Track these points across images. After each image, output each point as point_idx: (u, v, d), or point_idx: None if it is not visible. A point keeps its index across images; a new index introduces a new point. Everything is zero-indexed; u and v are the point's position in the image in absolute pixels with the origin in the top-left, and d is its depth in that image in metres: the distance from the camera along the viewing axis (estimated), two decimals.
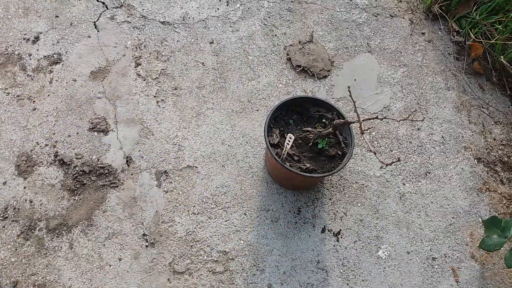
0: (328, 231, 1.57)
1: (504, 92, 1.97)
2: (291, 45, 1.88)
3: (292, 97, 1.50)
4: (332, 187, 1.64)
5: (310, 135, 1.48)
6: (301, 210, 1.58)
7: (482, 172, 1.77)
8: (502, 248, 1.46)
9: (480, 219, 1.68)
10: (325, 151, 1.49)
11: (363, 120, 1.32)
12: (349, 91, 1.26)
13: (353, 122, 1.35)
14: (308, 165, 1.45)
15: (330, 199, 1.62)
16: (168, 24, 1.81)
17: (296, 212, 1.57)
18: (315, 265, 1.50)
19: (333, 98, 1.80)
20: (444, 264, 1.58)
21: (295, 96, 1.50)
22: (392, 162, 1.23)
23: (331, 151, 1.49)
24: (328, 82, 1.83)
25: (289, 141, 1.38)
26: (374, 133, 1.76)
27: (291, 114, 1.54)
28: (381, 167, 1.66)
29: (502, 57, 1.94)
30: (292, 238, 1.53)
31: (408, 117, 1.25)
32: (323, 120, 1.53)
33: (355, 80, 1.86)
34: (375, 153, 1.23)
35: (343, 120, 1.38)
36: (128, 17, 1.79)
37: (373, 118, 1.33)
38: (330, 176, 1.56)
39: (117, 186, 1.47)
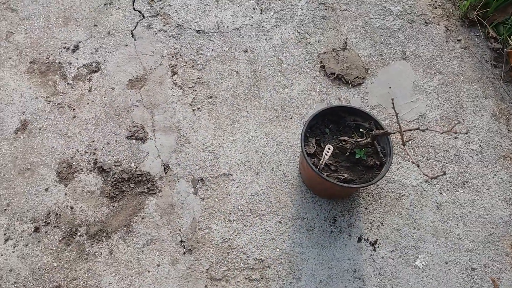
0: (365, 240, 1.54)
1: None
2: (325, 52, 1.87)
3: (328, 106, 1.48)
4: (368, 196, 1.61)
5: (347, 144, 1.46)
6: (337, 219, 1.56)
7: None
8: None
9: None
10: (363, 161, 1.47)
11: (404, 131, 1.29)
12: (393, 103, 1.24)
13: (394, 133, 1.33)
14: (345, 175, 1.43)
15: (366, 208, 1.59)
16: (203, 33, 1.82)
17: (332, 221, 1.55)
18: (351, 274, 1.48)
19: (367, 106, 1.78)
20: (484, 275, 1.53)
21: (331, 105, 1.49)
22: (437, 176, 1.20)
23: (369, 161, 1.47)
24: (362, 89, 1.81)
25: (327, 152, 1.37)
26: (410, 142, 1.73)
27: (327, 123, 1.53)
28: (426, 181, 1.62)
29: None
30: (328, 247, 1.51)
31: (451, 129, 1.22)
32: (360, 130, 1.51)
33: (390, 87, 1.83)
34: (418, 166, 1.21)
35: (382, 131, 1.36)
36: (164, 26, 1.81)
37: (415, 129, 1.30)
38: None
39: (155, 193, 1.49)
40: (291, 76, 1.80)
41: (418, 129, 1.32)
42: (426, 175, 1.17)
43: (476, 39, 2.00)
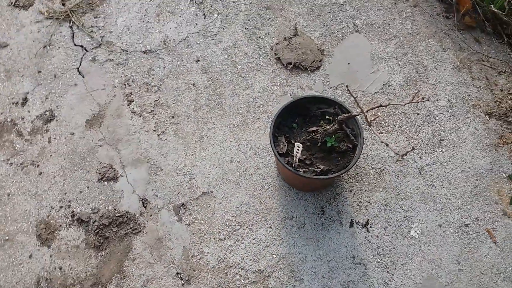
0: (356, 223, 1.54)
1: (502, 40, 1.90)
2: (277, 43, 1.82)
3: (290, 101, 1.45)
4: (350, 179, 1.60)
5: (317, 135, 1.44)
6: (325, 210, 1.55)
7: (496, 126, 1.72)
8: None
9: (504, 174, 1.64)
10: (336, 148, 1.45)
11: (367, 111, 1.27)
12: (348, 89, 1.21)
13: (358, 115, 1.31)
14: (321, 166, 1.41)
15: (351, 191, 1.59)
16: (151, 52, 1.76)
17: (321, 212, 1.54)
18: (351, 261, 1.48)
19: (330, 88, 1.75)
20: (478, 228, 1.55)
21: (293, 99, 1.45)
22: (407, 152, 1.19)
23: (342, 146, 1.45)
24: (322, 72, 1.78)
25: (297, 150, 1.34)
26: (379, 113, 1.71)
27: (293, 118, 1.50)
28: (397, 160, 1.61)
29: (492, 6, 1.86)
30: (323, 240, 1.50)
31: (412, 100, 1.20)
32: (327, 117, 1.49)
33: (348, 64, 1.80)
34: (387, 145, 1.19)
35: (347, 115, 1.34)
36: (109, 54, 1.74)
37: (377, 107, 1.28)
38: None
39: (139, 231, 1.46)
40: (249, 75, 1.75)
41: (380, 105, 1.30)
42: (396, 153, 1.16)
43: None
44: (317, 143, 1.45)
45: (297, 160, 1.37)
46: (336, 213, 1.55)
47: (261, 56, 1.80)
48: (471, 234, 1.54)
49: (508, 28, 1.89)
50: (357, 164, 1.62)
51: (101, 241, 1.42)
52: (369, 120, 1.26)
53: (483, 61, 1.86)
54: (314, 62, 1.80)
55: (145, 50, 1.77)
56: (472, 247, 1.51)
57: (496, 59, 1.85)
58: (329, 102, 1.49)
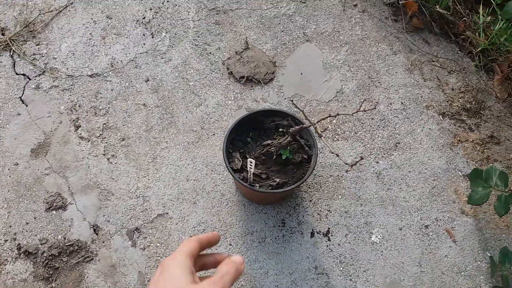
0: (317, 233, 1.56)
1: (449, 39, 1.99)
2: (229, 58, 1.86)
3: (243, 116, 1.47)
4: (310, 188, 1.62)
5: (271, 148, 1.46)
6: (285, 221, 1.56)
7: (450, 125, 1.78)
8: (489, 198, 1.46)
9: (460, 173, 1.69)
10: (291, 160, 1.47)
11: (317, 122, 1.30)
12: (294, 103, 1.24)
13: (309, 126, 1.34)
14: (277, 179, 1.43)
15: (310, 200, 1.61)
16: (97, 76, 1.76)
17: (281, 225, 1.56)
18: (314, 272, 1.49)
19: (285, 99, 1.78)
20: (438, 229, 1.59)
21: (245, 114, 1.47)
22: (357, 162, 1.22)
23: (297, 157, 1.48)
24: (275, 84, 1.81)
25: (251, 165, 1.36)
26: (335, 121, 1.75)
27: (247, 131, 1.52)
28: (347, 171, 1.65)
29: (437, 6, 1.95)
30: (284, 253, 1.51)
31: (360, 109, 1.24)
32: (280, 129, 1.51)
33: (301, 74, 1.85)
34: (337, 155, 1.22)
35: (298, 127, 1.36)
36: (54, 81, 1.74)
37: (326, 118, 1.32)
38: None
39: (92, 259, 1.44)
40: (201, 92, 1.78)
41: (329, 116, 1.34)
42: (346, 163, 1.19)
43: None
44: (272, 156, 1.47)
45: (251, 175, 1.39)
46: (297, 224, 1.56)
47: (213, 71, 1.82)
48: (431, 235, 1.57)
49: (454, 27, 1.98)
50: (314, 173, 1.65)
51: (51, 272, 1.40)
52: (319, 131, 1.28)
53: (433, 61, 1.93)
54: (267, 74, 1.84)
55: (92, 74, 1.77)
56: (432, 248, 1.55)
57: (446, 59, 1.93)
58: (282, 114, 1.52)
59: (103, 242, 1.47)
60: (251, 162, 1.36)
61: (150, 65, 1.82)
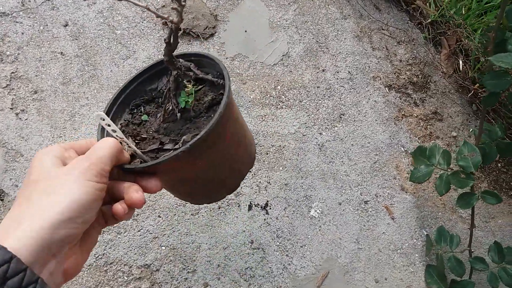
0: (255, 206, 1.56)
1: (400, 7, 2.04)
2: (163, 6, 1.76)
3: (120, 88, 0.93)
4: None
5: (167, 104, 0.92)
6: None
7: (395, 99, 1.85)
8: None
9: (402, 148, 1.77)
10: (199, 107, 0.91)
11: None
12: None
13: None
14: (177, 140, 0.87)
15: (250, 171, 1.60)
16: (5, 15, 1.59)
17: None
18: (249, 247, 1.50)
19: (226, 58, 1.73)
20: (377, 205, 1.66)
21: (123, 85, 0.94)
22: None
23: (204, 100, 0.92)
24: (216, 40, 1.75)
25: (122, 139, 0.78)
26: (279, 87, 1.74)
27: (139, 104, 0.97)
28: (305, 123, 1.65)
29: None
30: (219, 226, 1.50)
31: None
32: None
33: (246, 31, 1.80)
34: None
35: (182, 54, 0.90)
36: None
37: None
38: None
39: None
40: (130, 42, 1.67)
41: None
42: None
43: None
44: (175, 115, 0.91)
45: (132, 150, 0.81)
46: (234, 195, 1.56)
47: (144, 20, 1.72)
48: (370, 211, 1.65)
49: None
50: (256, 142, 1.63)
51: None
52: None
53: (382, 29, 1.97)
54: (207, 28, 1.77)
55: None
56: (371, 224, 1.62)
57: (395, 28, 1.98)
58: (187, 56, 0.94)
59: (9, 209, 1.36)
60: (114, 130, 0.77)
61: (70, 8, 1.66)
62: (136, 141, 0.89)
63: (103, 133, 0.81)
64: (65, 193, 0.57)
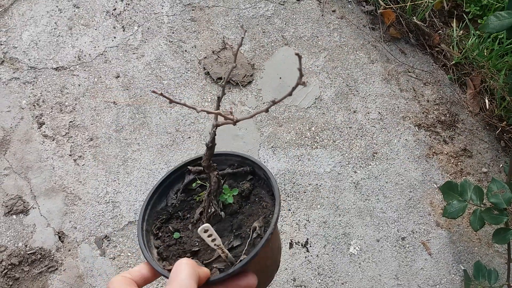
0: (296, 244, 1.58)
1: (425, 51, 2.09)
2: (205, 57, 1.85)
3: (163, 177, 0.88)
4: (288, 197, 1.65)
5: (209, 205, 0.86)
6: None
7: (425, 137, 1.88)
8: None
9: (435, 185, 1.78)
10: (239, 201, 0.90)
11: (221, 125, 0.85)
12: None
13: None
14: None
15: (289, 210, 1.63)
16: (63, 69, 1.70)
17: None
18: (292, 284, 1.52)
19: (264, 103, 1.80)
20: (414, 241, 1.66)
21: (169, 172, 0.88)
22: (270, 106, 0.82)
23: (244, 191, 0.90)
24: (254, 87, 1.83)
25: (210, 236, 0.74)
26: (313, 128, 1.79)
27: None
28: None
29: (414, 18, 2.04)
30: None
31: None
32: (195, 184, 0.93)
33: (280, 78, 1.87)
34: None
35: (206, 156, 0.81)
36: (14, 72, 1.65)
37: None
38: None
39: (56, 269, 1.38)
40: (176, 91, 1.76)
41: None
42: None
43: (349, 5, 2.11)
44: (219, 217, 0.87)
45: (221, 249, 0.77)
46: None
47: (188, 71, 1.81)
48: (408, 247, 1.65)
49: (430, 39, 2.08)
50: (293, 181, 1.68)
51: (10, 283, 1.33)
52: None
53: (409, 72, 2.02)
54: (246, 77, 1.85)
55: (57, 67, 1.70)
56: (409, 260, 1.62)
57: (421, 70, 2.03)
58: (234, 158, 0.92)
59: (69, 250, 1.42)
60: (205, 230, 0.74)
61: (121, 60, 1.77)
62: (192, 257, 0.82)
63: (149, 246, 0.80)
64: None
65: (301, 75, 0.69)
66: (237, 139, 1.70)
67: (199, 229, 0.72)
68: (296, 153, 1.73)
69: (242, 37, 0.78)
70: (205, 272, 0.66)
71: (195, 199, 0.90)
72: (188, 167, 0.87)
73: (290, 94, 0.69)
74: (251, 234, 0.80)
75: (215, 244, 0.72)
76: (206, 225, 0.70)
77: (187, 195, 0.90)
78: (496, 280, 1.49)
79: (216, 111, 0.73)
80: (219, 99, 0.77)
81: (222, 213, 0.86)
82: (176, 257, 0.82)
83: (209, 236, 0.71)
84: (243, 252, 0.76)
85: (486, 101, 1.94)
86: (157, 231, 0.87)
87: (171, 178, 0.90)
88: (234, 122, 0.72)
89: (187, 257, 0.80)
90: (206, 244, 0.78)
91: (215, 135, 0.77)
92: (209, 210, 0.84)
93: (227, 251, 0.74)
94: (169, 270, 0.69)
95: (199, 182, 0.90)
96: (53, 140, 1.56)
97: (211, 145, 0.78)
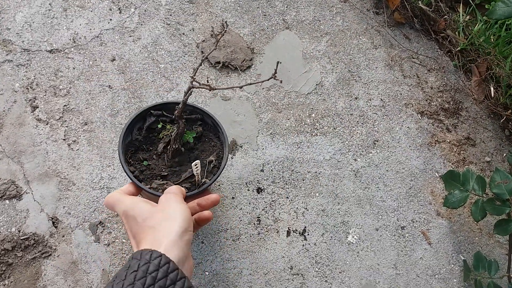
0: (294, 232, 1.57)
1: (430, 36, 2.04)
2: (203, 40, 1.81)
3: (132, 117, 1.24)
4: (286, 184, 1.63)
5: (172, 141, 1.20)
6: (261, 219, 1.56)
7: (428, 125, 1.84)
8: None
9: (436, 173, 1.75)
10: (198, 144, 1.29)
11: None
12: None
13: (193, 88, 1.07)
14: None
15: (287, 197, 1.61)
16: (58, 52, 1.66)
17: (256, 222, 1.55)
18: (288, 272, 1.50)
19: (263, 88, 1.77)
20: (414, 230, 1.64)
21: (135, 114, 1.25)
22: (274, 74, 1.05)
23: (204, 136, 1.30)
24: (253, 72, 1.79)
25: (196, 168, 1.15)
26: (314, 115, 1.76)
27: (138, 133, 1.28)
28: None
29: (420, 2, 1.99)
30: (259, 252, 1.51)
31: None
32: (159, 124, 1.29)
33: (280, 63, 1.83)
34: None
35: (180, 106, 1.11)
36: (7, 55, 1.62)
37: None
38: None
39: (50, 255, 1.37)
40: (173, 76, 1.72)
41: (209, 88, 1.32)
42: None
43: None
44: (179, 150, 1.22)
45: (199, 177, 1.18)
46: (273, 221, 1.56)
47: (186, 54, 1.77)
48: (407, 237, 1.63)
49: (435, 24, 2.03)
50: (292, 168, 1.65)
51: (4, 269, 1.31)
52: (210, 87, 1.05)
53: (413, 58, 1.98)
54: (245, 61, 1.81)
55: (51, 49, 1.67)
56: (408, 250, 1.60)
57: (425, 56, 1.98)
58: (161, 107, 1.28)
59: (63, 236, 1.40)
60: (196, 164, 1.14)
61: (117, 43, 1.73)
62: (162, 179, 1.19)
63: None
64: (175, 216, 0.83)
65: (275, 72, 1.02)
66: (235, 125, 1.67)
67: (193, 163, 1.12)
68: (296, 140, 1.70)
69: (225, 30, 1.11)
70: (184, 190, 1.03)
71: (156, 136, 1.26)
72: (151, 111, 1.23)
73: (266, 80, 1.11)
74: (207, 165, 1.22)
75: (196, 172, 1.13)
76: (197, 161, 1.13)
77: (148, 133, 1.25)
78: (496, 271, 1.47)
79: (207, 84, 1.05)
80: (195, 70, 1.07)
81: (182, 148, 1.22)
82: (150, 179, 1.18)
83: (195, 166, 1.12)
84: (204, 176, 1.20)
85: (492, 88, 1.90)
86: (130, 160, 1.22)
87: (136, 119, 1.25)
88: (210, 89, 1.04)
89: (158, 179, 1.17)
90: (172, 170, 1.21)
91: (190, 94, 1.07)
92: (174, 146, 1.18)
93: (200, 176, 1.16)
94: (150, 188, 1.14)
95: (161, 124, 1.26)
96: (46, 124, 1.53)
97: (185, 102, 1.09)
